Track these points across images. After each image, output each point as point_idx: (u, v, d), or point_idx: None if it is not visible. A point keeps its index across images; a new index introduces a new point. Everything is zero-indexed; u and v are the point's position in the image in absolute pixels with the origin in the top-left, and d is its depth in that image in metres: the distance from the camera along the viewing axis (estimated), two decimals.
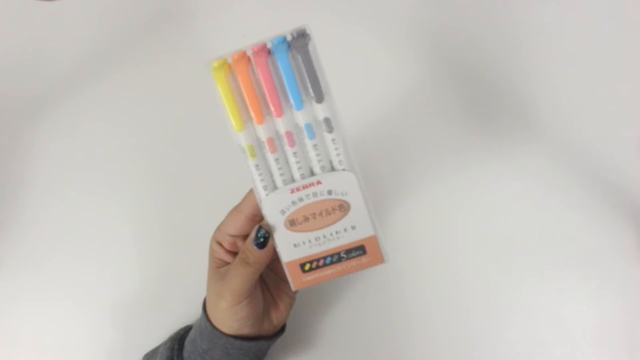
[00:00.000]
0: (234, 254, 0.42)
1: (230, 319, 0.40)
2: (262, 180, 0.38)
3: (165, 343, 0.46)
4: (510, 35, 0.58)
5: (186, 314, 0.51)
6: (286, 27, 0.36)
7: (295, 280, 0.40)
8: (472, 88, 0.57)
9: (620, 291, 0.50)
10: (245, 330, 0.41)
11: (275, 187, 0.39)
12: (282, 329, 0.45)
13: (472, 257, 0.52)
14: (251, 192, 0.40)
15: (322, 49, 0.37)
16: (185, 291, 0.52)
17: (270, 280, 0.44)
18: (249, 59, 0.37)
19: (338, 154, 0.38)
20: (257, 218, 0.40)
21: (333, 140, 0.38)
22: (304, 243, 0.39)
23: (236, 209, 0.41)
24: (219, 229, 0.42)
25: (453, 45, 0.59)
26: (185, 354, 0.43)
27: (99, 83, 0.59)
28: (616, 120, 0.55)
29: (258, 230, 0.39)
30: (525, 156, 0.54)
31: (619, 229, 0.52)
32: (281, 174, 0.38)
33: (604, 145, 0.54)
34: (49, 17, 0.61)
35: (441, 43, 0.59)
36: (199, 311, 0.45)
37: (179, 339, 0.45)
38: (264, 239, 0.38)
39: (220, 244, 0.42)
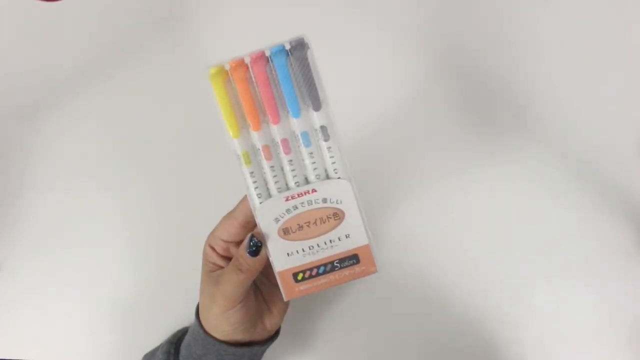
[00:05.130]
0: (227, 258, 0.42)
1: (223, 323, 0.40)
2: (256, 187, 0.38)
3: (162, 346, 0.46)
4: (511, 37, 0.58)
5: (186, 314, 0.51)
6: (285, 32, 0.36)
7: (287, 290, 0.40)
8: (471, 91, 0.57)
9: (620, 291, 0.51)
10: (238, 336, 0.41)
11: (269, 195, 0.39)
12: (275, 334, 0.45)
13: (471, 257, 0.52)
14: (244, 199, 0.40)
15: (321, 54, 0.37)
16: (185, 292, 0.51)
17: (263, 286, 0.44)
18: (247, 67, 0.37)
19: (334, 162, 0.38)
20: (250, 225, 0.40)
21: (329, 148, 0.38)
22: (297, 252, 0.39)
23: (229, 215, 0.41)
24: (212, 234, 0.42)
25: (452, 49, 0.58)
26: (181, 359, 0.43)
27: (99, 84, 0.59)
28: (616, 120, 0.55)
29: (250, 239, 0.38)
30: (525, 157, 0.54)
31: (619, 229, 0.52)
32: (276, 182, 0.38)
33: (604, 145, 0.54)
34: (48, 18, 0.61)
35: (441, 46, 0.59)
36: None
37: (176, 342, 0.46)
38: (257, 247, 0.38)
39: (213, 249, 0.42)
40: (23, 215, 0.56)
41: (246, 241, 0.38)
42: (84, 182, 0.56)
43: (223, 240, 0.41)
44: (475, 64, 0.58)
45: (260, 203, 0.38)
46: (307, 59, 0.36)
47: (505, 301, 0.51)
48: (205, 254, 0.42)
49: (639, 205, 0.53)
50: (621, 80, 0.56)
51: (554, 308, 0.51)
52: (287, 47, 0.36)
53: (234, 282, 0.39)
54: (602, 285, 0.51)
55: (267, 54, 0.37)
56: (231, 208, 0.42)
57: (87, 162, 0.57)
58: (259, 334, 0.43)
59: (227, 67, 0.37)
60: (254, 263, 0.38)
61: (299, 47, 0.36)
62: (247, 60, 0.37)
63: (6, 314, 0.54)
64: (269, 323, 0.43)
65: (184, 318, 0.52)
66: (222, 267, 0.41)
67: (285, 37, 0.36)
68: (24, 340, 0.53)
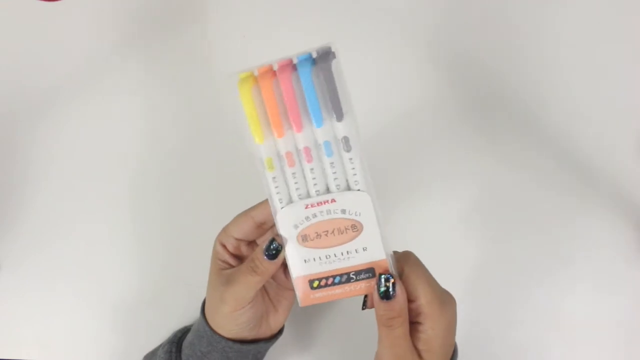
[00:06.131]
0: (237, 256, 0.42)
1: (231, 323, 0.41)
2: (278, 192, 0.39)
3: (163, 346, 0.46)
4: (515, 42, 0.59)
5: (186, 314, 0.52)
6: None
7: (302, 296, 0.40)
8: (477, 96, 0.58)
9: (620, 291, 0.51)
10: (244, 334, 0.42)
11: (290, 201, 0.39)
12: (280, 331, 0.45)
13: (472, 258, 0.53)
14: (266, 201, 0.40)
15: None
16: (186, 292, 0.52)
17: (270, 286, 0.44)
18: (274, 73, 0.37)
19: (354, 174, 0.38)
20: (265, 226, 0.41)
21: (350, 159, 0.37)
22: (314, 260, 0.39)
23: (246, 213, 0.41)
24: (224, 230, 0.42)
25: (460, 55, 0.59)
26: (184, 357, 0.44)
27: (101, 83, 0.59)
28: (616, 120, 0.55)
29: (271, 242, 0.38)
30: (528, 159, 0.55)
31: (619, 229, 0.53)
32: (297, 189, 0.38)
33: (604, 145, 0.55)
34: (48, 18, 0.60)
35: (449, 52, 0.59)
36: (199, 312, 0.45)
37: (177, 342, 0.46)
38: (276, 251, 0.38)
39: (224, 246, 0.42)
40: (23, 215, 0.56)
41: (266, 243, 0.39)
42: (86, 182, 0.56)
43: (235, 238, 0.41)
44: (482, 69, 0.58)
45: (282, 208, 0.39)
46: (331, 68, 0.36)
47: (506, 301, 0.52)
48: (215, 251, 0.42)
49: (639, 205, 0.53)
50: (621, 80, 0.57)
51: (554, 308, 0.51)
52: (314, 55, 0.36)
53: (246, 284, 0.39)
54: (602, 285, 0.51)
55: (295, 61, 0.37)
56: (236, 210, 0.42)
57: (89, 161, 0.57)
58: (263, 332, 0.43)
59: (256, 73, 0.38)
60: (270, 266, 0.39)
61: (325, 55, 0.36)
62: (275, 67, 0.37)
63: (6, 314, 0.54)
64: (274, 321, 0.43)
65: (184, 318, 0.52)
66: (232, 266, 0.41)
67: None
68: (24, 340, 0.53)
